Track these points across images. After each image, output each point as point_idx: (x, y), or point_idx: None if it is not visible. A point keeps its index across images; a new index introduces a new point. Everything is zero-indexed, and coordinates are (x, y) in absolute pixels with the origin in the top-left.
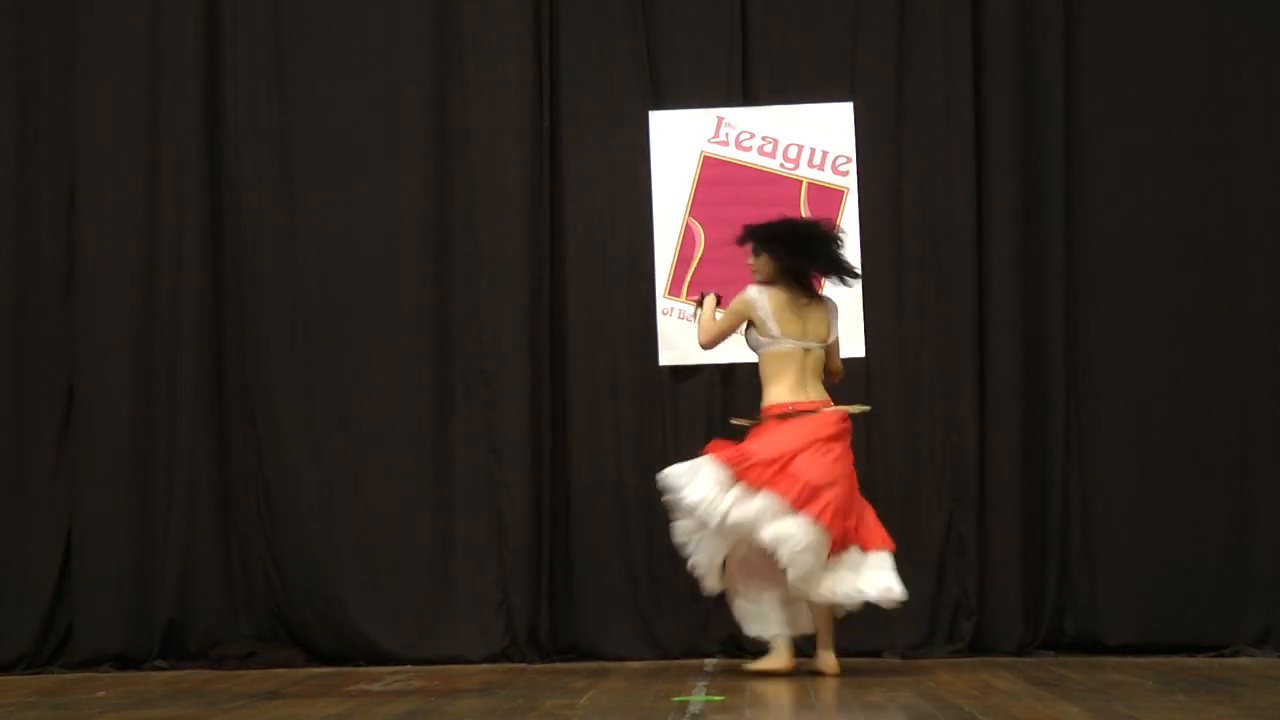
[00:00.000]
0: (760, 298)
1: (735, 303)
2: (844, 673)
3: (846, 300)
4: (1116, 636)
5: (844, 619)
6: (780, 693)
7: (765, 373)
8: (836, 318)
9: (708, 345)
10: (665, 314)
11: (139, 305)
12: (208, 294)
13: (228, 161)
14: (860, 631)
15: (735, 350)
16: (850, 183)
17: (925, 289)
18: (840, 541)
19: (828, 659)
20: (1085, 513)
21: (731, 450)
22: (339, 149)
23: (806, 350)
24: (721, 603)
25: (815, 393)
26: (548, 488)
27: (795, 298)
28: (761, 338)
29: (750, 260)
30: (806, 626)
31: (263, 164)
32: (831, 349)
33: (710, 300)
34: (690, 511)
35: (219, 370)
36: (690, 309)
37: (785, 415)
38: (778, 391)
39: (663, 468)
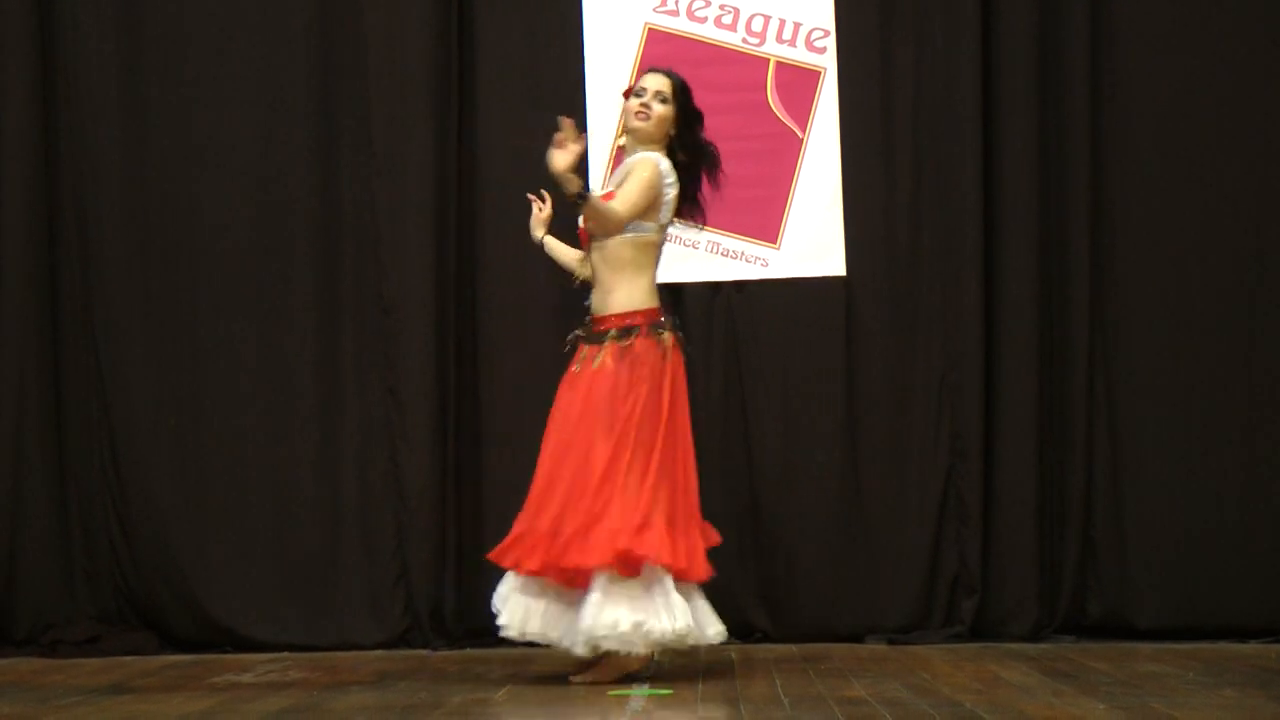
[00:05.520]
0: (672, 174)
1: (649, 172)
2: (820, 659)
3: (820, 207)
4: (1150, 619)
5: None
6: (742, 685)
7: (631, 261)
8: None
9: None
10: None
11: None
12: (39, 203)
13: (64, 47)
14: (840, 613)
15: (683, 268)
16: (829, 62)
17: (920, 193)
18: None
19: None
20: (1114, 470)
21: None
22: (198, 26)
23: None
24: None
25: None
26: (456, 437)
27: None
28: (646, 222)
29: (659, 108)
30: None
31: (105, 48)
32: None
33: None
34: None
35: (53, 295)
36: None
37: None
38: (648, 290)
39: None
